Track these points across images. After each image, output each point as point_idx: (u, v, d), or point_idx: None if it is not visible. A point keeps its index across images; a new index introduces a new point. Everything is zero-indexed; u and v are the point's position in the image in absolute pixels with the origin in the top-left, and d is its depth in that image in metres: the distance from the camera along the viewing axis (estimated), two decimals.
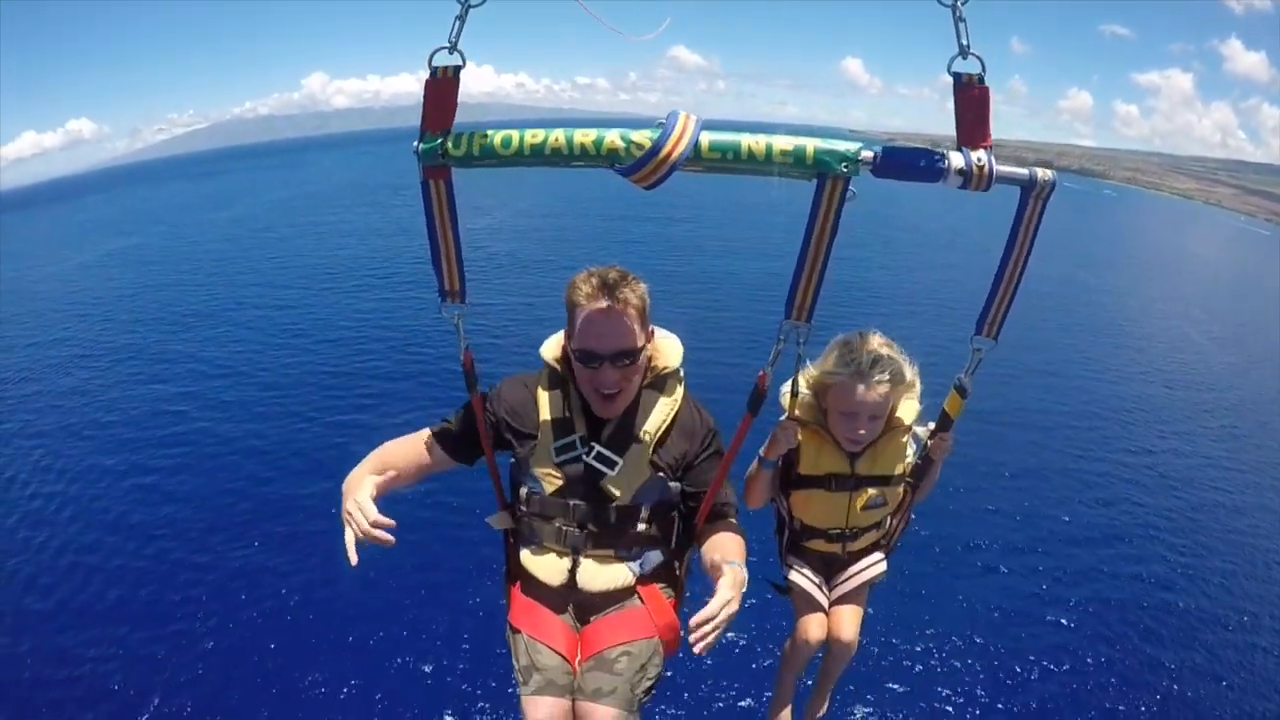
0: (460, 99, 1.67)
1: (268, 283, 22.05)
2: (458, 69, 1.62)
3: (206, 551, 8.52)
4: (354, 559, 1.84)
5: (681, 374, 2.15)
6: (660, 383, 2.10)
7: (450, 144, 1.63)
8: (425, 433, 2.20)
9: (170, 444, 11.15)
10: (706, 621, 1.69)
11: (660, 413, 2.06)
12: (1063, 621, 7.88)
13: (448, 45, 1.58)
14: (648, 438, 2.04)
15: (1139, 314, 23.56)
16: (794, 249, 1.71)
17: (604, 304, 1.90)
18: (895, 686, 6.78)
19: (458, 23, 1.56)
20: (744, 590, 1.84)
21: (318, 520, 9.03)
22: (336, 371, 13.97)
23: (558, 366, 2.10)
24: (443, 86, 1.63)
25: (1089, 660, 7.37)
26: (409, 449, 2.17)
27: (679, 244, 27.30)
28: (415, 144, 1.66)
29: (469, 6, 1.56)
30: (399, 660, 6.92)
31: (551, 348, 2.13)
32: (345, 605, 7.51)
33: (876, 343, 2.09)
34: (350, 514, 1.87)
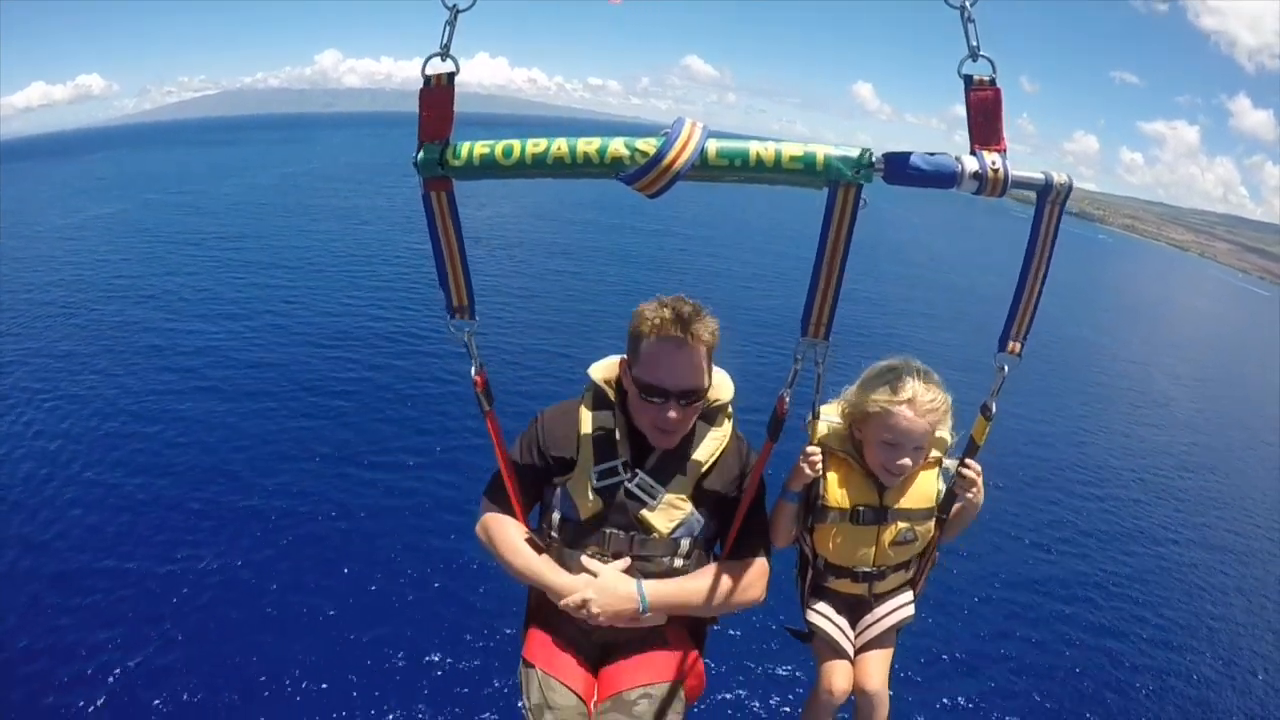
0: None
1: (273, 261, 21.95)
2: (452, 75, 1.56)
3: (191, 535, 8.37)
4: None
5: (730, 409, 2.06)
6: (711, 415, 2.01)
7: (449, 155, 1.59)
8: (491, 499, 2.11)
9: (164, 421, 10.92)
10: None
11: (709, 446, 1.98)
12: (1008, 676, 7.77)
13: (440, 52, 1.53)
14: (694, 470, 1.95)
15: (1114, 365, 23.47)
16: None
17: (676, 339, 1.80)
18: None
19: (448, 28, 1.52)
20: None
21: (301, 500, 8.94)
22: (343, 358, 13.81)
23: (609, 390, 2.01)
24: (438, 94, 1.58)
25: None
26: (509, 513, 2.07)
27: (698, 251, 26.75)
28: (414, 156, 1.61)
29: (457, 11, 1.54)
30: (393, 675, 6.61)
31: (602, 370, 2.04)
32: (338, 602, 7.34)
33: (921, 369, 2.00)
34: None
